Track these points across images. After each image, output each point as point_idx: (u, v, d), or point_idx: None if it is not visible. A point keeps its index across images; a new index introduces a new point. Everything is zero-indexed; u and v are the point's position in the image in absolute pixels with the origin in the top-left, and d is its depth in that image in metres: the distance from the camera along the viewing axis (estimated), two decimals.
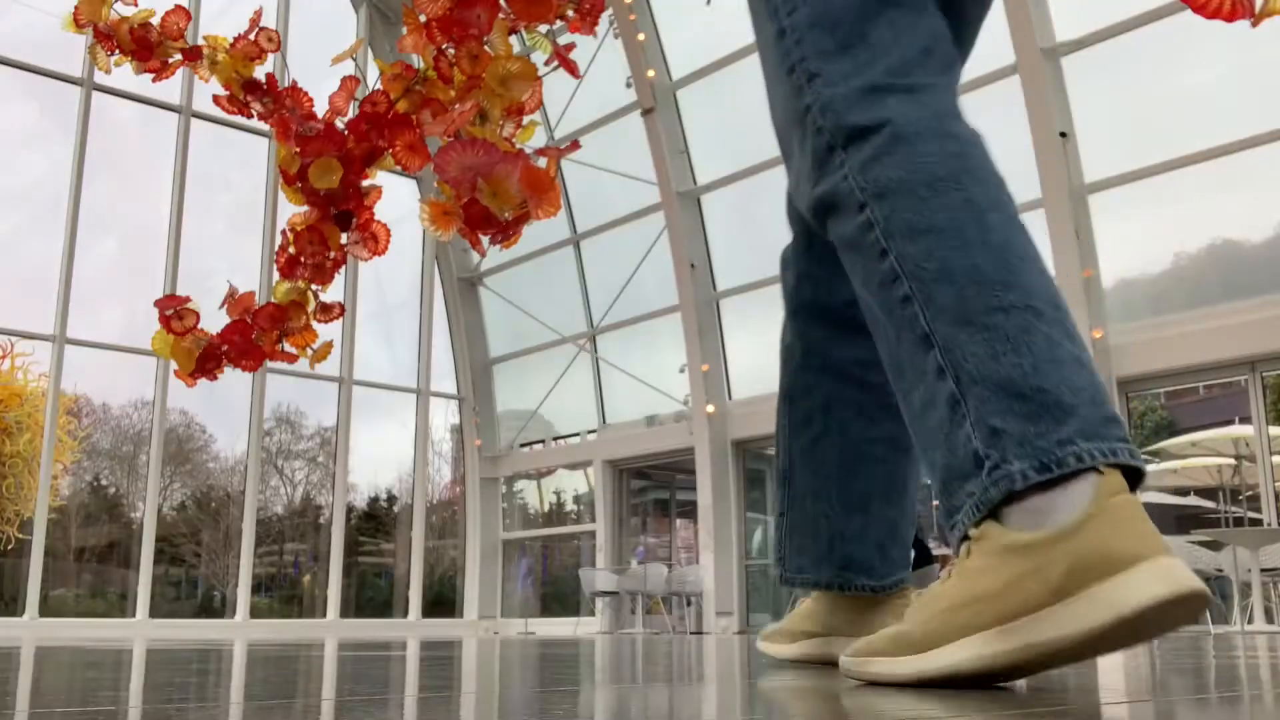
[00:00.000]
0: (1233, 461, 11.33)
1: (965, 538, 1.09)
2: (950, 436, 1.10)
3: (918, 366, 1.14)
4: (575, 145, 7.97)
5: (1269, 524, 9.64)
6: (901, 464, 1.55)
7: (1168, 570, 0.96)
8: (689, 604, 13.49)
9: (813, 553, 1.57)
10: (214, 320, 7.90)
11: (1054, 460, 1.02)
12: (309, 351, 7.90)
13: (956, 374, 1.10)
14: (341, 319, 8.34)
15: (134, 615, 13.12)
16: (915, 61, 1.30)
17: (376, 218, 7.43)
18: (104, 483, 15.36)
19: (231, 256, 15.11)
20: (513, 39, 6.64)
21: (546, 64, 6.74)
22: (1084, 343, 1.12)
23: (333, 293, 8.10)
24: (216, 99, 7.44)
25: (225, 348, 7.62)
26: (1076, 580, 0.97)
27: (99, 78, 13.05)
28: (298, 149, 6.93)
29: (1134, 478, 1.06)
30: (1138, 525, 0.99)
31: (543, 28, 6.80)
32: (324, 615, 14.58)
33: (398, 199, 13.37)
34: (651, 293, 14.34)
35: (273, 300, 7.74)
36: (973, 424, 1.07)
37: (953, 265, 1.13)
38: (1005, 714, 0.95)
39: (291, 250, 7.41)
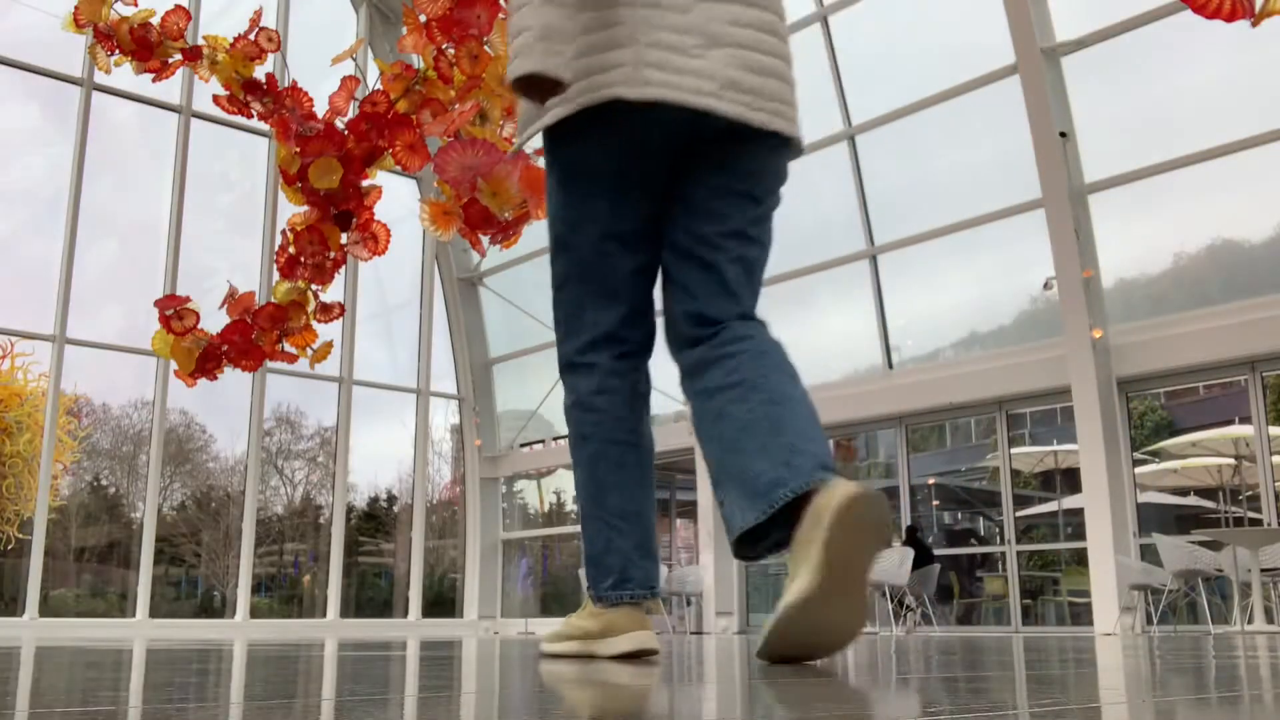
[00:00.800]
0: (1233, 461, 11.33)
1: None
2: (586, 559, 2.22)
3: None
4: None
5: (1269, 524, 9.64)
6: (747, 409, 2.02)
7: (637, 628, 2.12)
8: (689, 604, 13.49)
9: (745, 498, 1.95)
10: (214, 320, 7.90)
11: (603, 594, 2.12)
12: (309, 351, 7.90)
13: (583, 544, 2.16)
14: (341, 319, 8.34)
15: (134, 615, 13.12)
16: (594, 346, 2.20)
17: (376, 218, 7.43)
18: (104, 483, 15.35)
19: (231, 256, 15.11)
20: None
21: None
22: (628, 548, 2.11)
23: (333, 293, 8.10)
24: (216, 99, 7.44)
25: (225, 348, 7.62)
26: (595, 632, 2.14)
27: (99, 78, 13.04)
28: (298, 149, 6.92)
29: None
30: (631, 623, 2.11)
31: None
32: (324, 615, 14.58)
33: (398, 199, 13.35)
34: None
35: (273, 300, 7.73)
36: (584, 562, 2.21)
37: (580, 488, 2.19)
38: (1006, 713, 0.95)
39: (291, 250, 7.41)
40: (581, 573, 2.11)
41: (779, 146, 2.15)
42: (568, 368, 2.22)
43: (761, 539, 1.91)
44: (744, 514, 1.89)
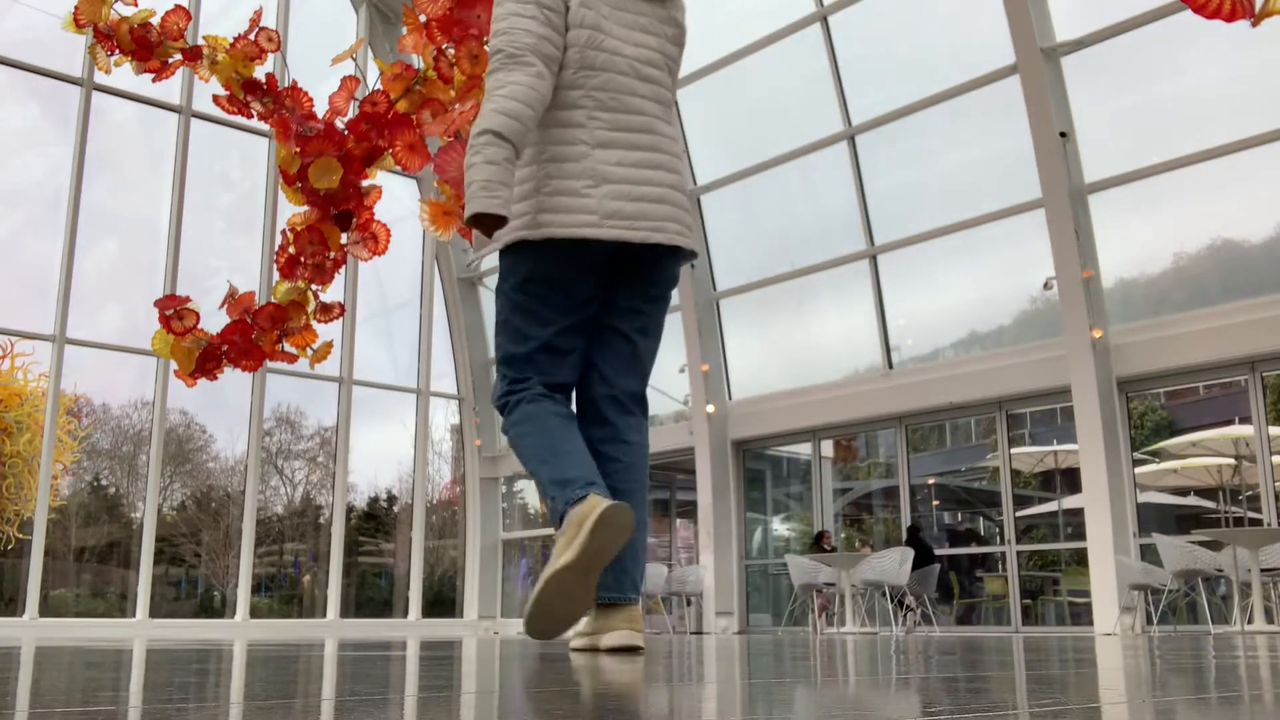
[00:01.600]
0: (1233, 461, 11.33)
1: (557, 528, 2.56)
2: (545, 499, 2.65)
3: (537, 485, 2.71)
4: None
5: (1269, 524, 9.64)
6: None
7: (605, 507, 2.42)
8: (689, 604, 13.49)
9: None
10: (214, 320, 7.90)
11: (568, 502, 2.50)
12: (309, 351, 7.90)
13: (544, 489, 2.64)
14: (341, 319, 8.34)
15: (134, 615, 13.12)
16: (529, 379, 2.76)
17: (376, 218, 7.43)
18: (104, 483, 15.35)
19: (231, 256, 15.10)
20: None
21: None
22: (586, 464, 2.62)
23: (333, 293, 8.10)
24: (216, 99, 7.44)
25: (225, 348, 7.62)
26: (578, 523, 2.43)
27: (99, 78, 13.03)
28: (298, 149, 6.92)
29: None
30: (598, 501, 2.44)
31: None
32: (324, 615, 14.58)
33: (398, 199, 13.36)
34: None
35: (273, 300, 7.73)
36: (549, 496, 2.61)
37: (531, 451, 2.69)
38: (1006, 713, 0.95)
39: (291, 250, 7.41)
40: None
41: (672, 256, 2.82)
42: (509, 392, 2.78)
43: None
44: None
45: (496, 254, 2.82)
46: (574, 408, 2.85)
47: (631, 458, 2.81)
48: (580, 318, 2.79)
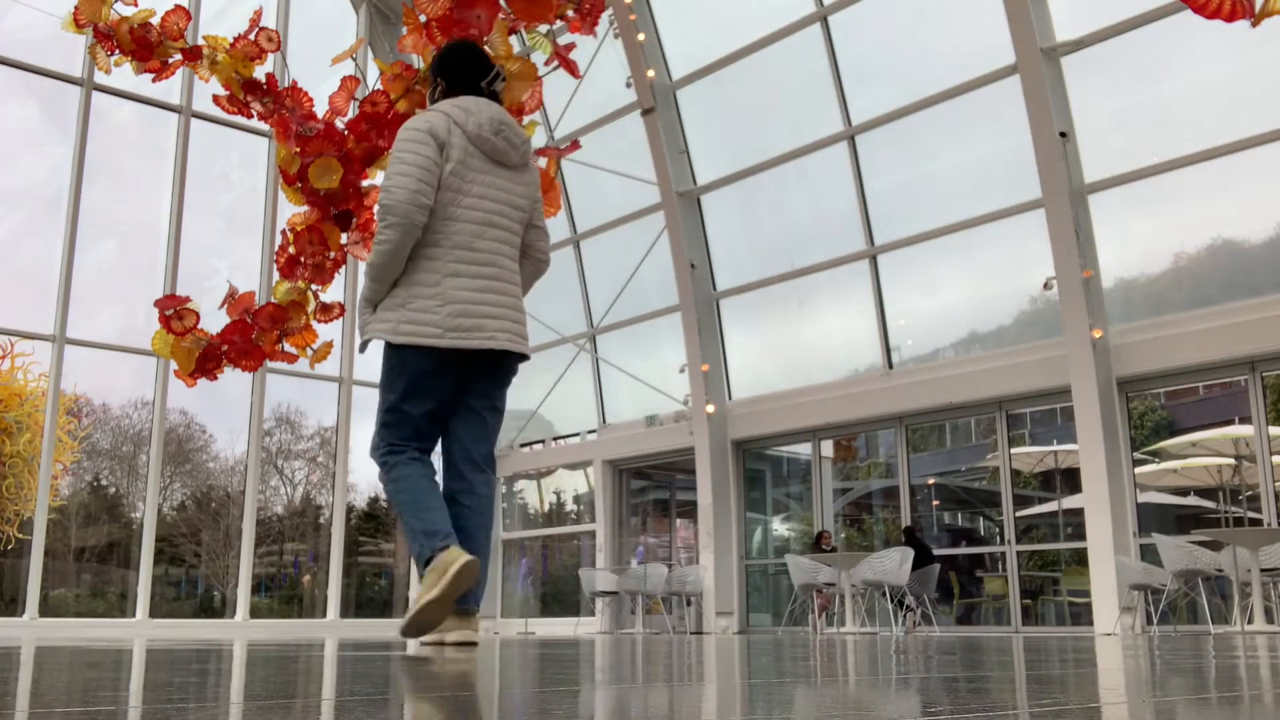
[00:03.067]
0: (1233, 461, 11.32)
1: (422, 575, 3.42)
2: (412, 543, 3.50)
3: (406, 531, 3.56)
4: (575, 145, 7.92)
5: (1269, 524, 9.64)
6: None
7: (464, 561, 3.32)
8: (689, 604, 13.49)
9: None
10: (214, 320, 7.90)
11: (434, 550, 3.39)
12: (309, 351, 7.90)
13: (413, 535, 3.50)
14: (341, 319, 8.34)
15: (134, 615, 13.12)
16: (409, 438, 3.60)
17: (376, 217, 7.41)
18: (104, 483, 15.35)
19: (231, 256, 15.10)
20: (513, 39, 6.63)
21: (546, 64, 6.73)
22: (446, 520, 3.49)
23: (333, 293, 8.10)
24: (216, 99, 7.45)
25: (225, 348, 7.62)
26: (443, 569, 3.33)
27: (99, 78, 13.03)
28: (298, 149, 6.92)
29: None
30: (455, 555, 3.34)
31: (543, 28, 6.79)
32: (324, 615, 14.58)
33: None
34: (651, 293, 14.33)
35: (273, 300, 7.73)
36: (417, 542, 3.48)
37: (405, 505, 3.55)
38: (1006, 713, 0.95)
39: (291, 250, 7.41)
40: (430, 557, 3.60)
41: (507, 359, 3.67)
42: (389, 452, 3.60)
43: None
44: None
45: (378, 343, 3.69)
46: (436, 465, 3.72)
47: (480, 506, 3.65)
48: (438, 402, 3.63)
